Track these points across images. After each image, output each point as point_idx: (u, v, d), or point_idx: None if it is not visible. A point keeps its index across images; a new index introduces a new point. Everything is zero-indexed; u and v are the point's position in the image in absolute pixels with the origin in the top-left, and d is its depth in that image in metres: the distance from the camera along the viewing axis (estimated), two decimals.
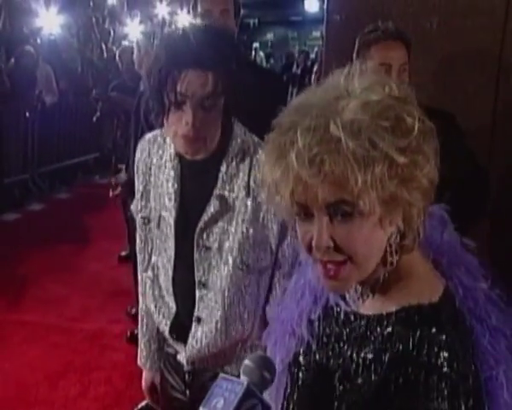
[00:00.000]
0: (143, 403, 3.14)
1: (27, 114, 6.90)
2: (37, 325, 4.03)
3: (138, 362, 1.81)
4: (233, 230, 1.49)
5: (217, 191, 1.49)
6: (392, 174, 0.84)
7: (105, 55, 9.65)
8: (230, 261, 1.50)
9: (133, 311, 3.86)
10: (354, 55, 2.05)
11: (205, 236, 1.51)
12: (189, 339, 1.57)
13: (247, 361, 1.01)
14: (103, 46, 9.78)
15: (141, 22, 9.14)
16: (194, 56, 1.35)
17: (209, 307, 1.53)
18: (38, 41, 8.27)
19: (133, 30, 8.92)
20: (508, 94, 2.46)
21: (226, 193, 1.49)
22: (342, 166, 0.83)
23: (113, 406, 3.21)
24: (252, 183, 1.47)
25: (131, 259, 4.70)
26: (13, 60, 7.15)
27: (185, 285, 1.56)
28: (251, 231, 1.48)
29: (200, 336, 1.55)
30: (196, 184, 1.53)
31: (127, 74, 4.98)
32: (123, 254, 5.08)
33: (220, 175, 1.49)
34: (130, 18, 9.87)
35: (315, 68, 5.45)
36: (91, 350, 3.74)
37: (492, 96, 2.47)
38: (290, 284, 1.16)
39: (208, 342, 1.55)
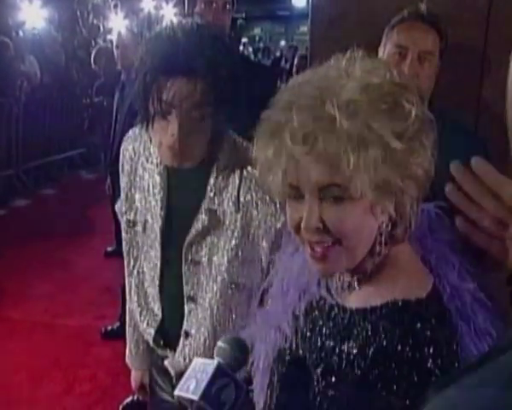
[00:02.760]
0: (129, 400, 3.14)
1: (11, 108, 6.81)
2: (22, 322, 3.99)
3: (127, 361, 1.79)
4: (222, 245, 1.44)
5: (205, 205, 1.43)
6: (386, 158, 0.83)
7: (91, 49, 9.57)
8: (219, 279, 1.45)
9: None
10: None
11: (194, 250, 1.46)
12: (177, 354, 1.54)
13: (219, 343, 1.02)
14: (92, 41, 9.68)
15: (125, 17, 9.05)
16: (183, 63, 1.26)
17: (198, 322, 1.50)
18: (21, 34, 8.18)
19: (117, 24, 8.84)
20: (491, 88, 2.47)
21: (215, 207, 1.42)
22: (335, 145, 0.82)
23: (98, 403, 3.19)
24: (241, 197, 1.41)
25: (118, 255, 4.69)
26: None
27: (173, 295, 1.52)
28: (240, 247, 1.42)
29: (188, 351, 1.51)
30: (184, 193, 1.47)
31: (105, 75, 4.92)
32: (109, 249, 5.05)
33: (209, 187, 1.42)
34: (114, 12, 9.76)
35: (295, 61, 5.39)
36: (76, 347, 3.71)
37: (476, 90, 2.48)
38: (275, 280, 1.14)
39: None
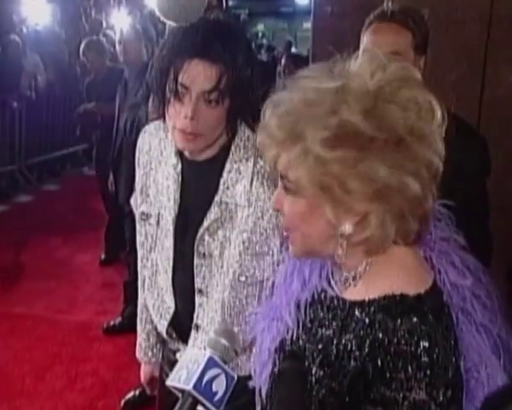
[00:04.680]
0: (130, 395, 3.15)
1: (15, 104, 6.83)
2: (24, 317, 4.00)
3: (137, 355, 1.79)
4: (234, 238, 1.43)
5: (218, 197, 1.43)
6: (307, 161, 0.87)
7: None
8: (230, 272, 1.45)
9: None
10: None
11: (205, 242, 1.46)
12: (188, 346, 1.54)
13: (211, 334, 1.04)
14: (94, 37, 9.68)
15: (129, 13, 9.04)
16: (200, 47, 1.28)
17: (208, 315, 1.50)
18: (24, 31, 8.18)
19: (120, 20, 8.82)
20: (494, 83, 2.47)
21: (227, 200, 1.42)
22: (264, 138, 0.92)
23: (100, 397, 3.20)
24: (253, 191, 1.41)
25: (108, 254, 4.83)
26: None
27: (185, 288, 1.53)
28: (252, 240, 1.42)
29: (200, 345, 1.50)
30: (197, 186, 1.48)
31: (95, 70, 4.88)
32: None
33: (222, 180, 1.43)
34: (117, 8, 9.75)
35: (282, 61, 5.16)
36: (78, 342, 3.73)
37: (479, 86, 2.48)
38: (280, 271, 1.17)
39: None
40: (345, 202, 0.87)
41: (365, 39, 1.73)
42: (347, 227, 0.89)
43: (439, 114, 0.88)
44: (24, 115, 7.05)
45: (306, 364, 0.95)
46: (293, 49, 12.99)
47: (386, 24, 1.71)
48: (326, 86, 0.88)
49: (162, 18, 2.26)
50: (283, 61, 5.05)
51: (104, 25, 9.90)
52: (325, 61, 0.94)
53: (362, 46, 1.74)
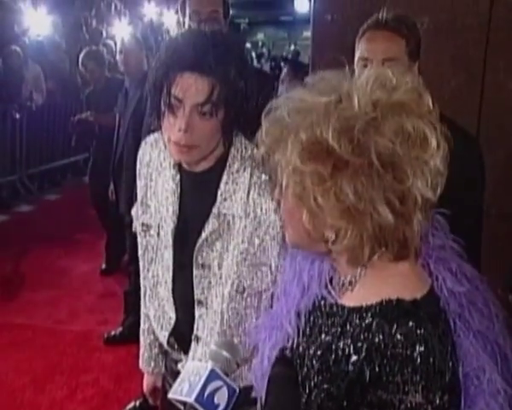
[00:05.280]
0: (131, 405, 3.14)
1: (17, 115, 6.85)
2: (25, 327, 3.99)
3: (140, 365, 1.78)
4: (231, 249, 1.44)
5: (215, 209, 1.43)
6: (290, 170, 0.90)
7: None
8: (229, 283, 1.45)
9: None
10: None
11: (204, 254, 1.46)
12: (189, 358, 1.54)
13: (212, 346, 1.04)
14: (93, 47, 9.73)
15: (130, 23, 9.09)
16: (192, 60, 1.29)
17: (208, 327, 1.50)
18: (26, 41, 8.22)
19: (120, 30, 8.86)
20: (493, 90, 2.47)
21: (225, 211, 1.43)
22: (257, 139, 0.96)
23: (100, 408, 3.19)
24: (250, 202, 1.41)
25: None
26: (0, 60, 7.11)
27: (185, 299, 1.53)
28: (249, 251, 1.42)
29: (200, 356, 1.50)
30: (195, 197, 1.48)
31: (94, 80, 4.88)
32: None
33: (219, 192, 1.43)
34: (118, 18, 9.81)
35: (284, 69, 5.15)
36: (79, 352, 3.72)
37: (478, 92, 2.48)
38: (280, 281, 1.19)
39: None
40: (318, 214, 0.89)
41: (360, 47, 1.75)
42: (330, 234, 0.91)
43: (433, 143, 0.87)
44: (25, 125, 7.07)
45: (305, 369, 0.96)
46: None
47: (380, 32, 1.74)
48: (317, 100, 0.89)
49: None
50: (285, 68, 5.12)
51: (104, 35, 9.96)
52: (336, 70, 0.94)
53: (357, 54, 1.76)
